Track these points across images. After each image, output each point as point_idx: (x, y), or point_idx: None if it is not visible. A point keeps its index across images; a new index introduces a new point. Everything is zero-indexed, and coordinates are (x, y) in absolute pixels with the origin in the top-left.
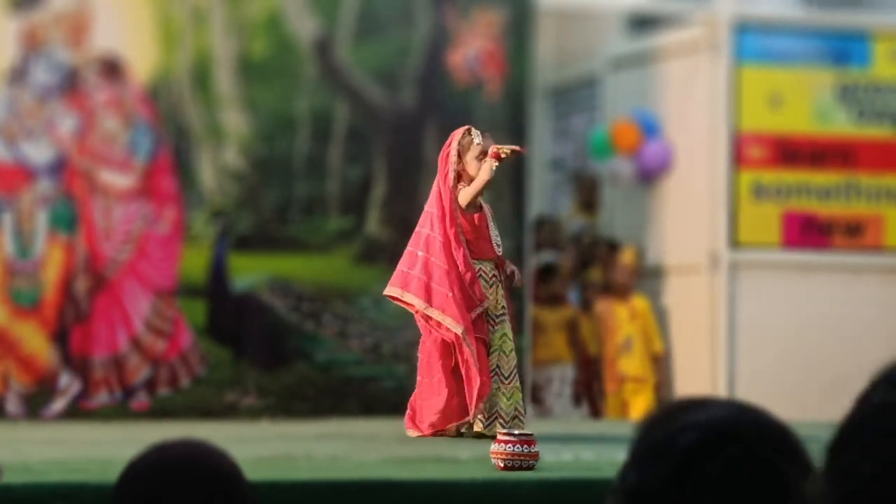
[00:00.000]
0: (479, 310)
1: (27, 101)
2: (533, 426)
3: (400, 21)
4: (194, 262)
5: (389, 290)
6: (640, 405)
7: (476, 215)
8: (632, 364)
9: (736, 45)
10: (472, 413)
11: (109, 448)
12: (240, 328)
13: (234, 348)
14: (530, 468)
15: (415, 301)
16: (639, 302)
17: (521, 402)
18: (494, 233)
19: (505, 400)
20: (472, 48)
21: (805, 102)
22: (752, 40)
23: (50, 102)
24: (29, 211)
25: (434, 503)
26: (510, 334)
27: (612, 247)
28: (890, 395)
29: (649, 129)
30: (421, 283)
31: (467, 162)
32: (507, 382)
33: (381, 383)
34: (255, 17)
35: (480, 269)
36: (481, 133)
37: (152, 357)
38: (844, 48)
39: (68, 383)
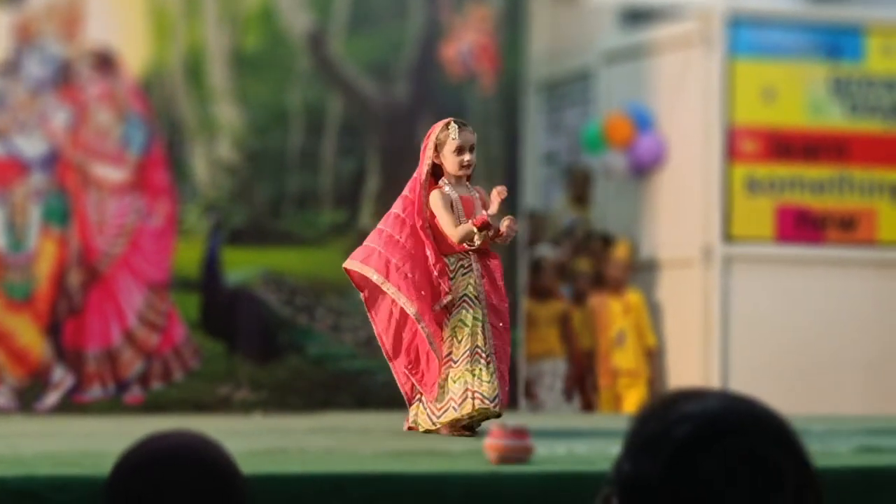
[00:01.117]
0: (443, 302)
1: (20, 95)
2: (525, 420)
3: (393, 14)
4: (188, 256)
5: (348, 264)
6: (633, 399)
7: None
8: (625, 358)
9: (729, 39)
10: (424, 394)
11: (103, 441)
12: (233, 322)
13: (227, 342)
14: (524, 462)
15: (372, 274)
16: (632, 296)
17: (475, 381)
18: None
19: (451, 383)
20: (466, 42)
21: (798, 96)
22: (745, 34)
23: (43, 96)
24: (22, 204)
25: (427, 496)
26: (468, 318)
27: (607, 241)
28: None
29: (642, 122)
30: (381, 258)
31: (444, 156)
32: (455, 366)
33: (375, 377)
34: (248, 10)
35: (445, 262)
36: (462, 126)
37: (146, 351)
38: (837, 42)
39: (61, 377)
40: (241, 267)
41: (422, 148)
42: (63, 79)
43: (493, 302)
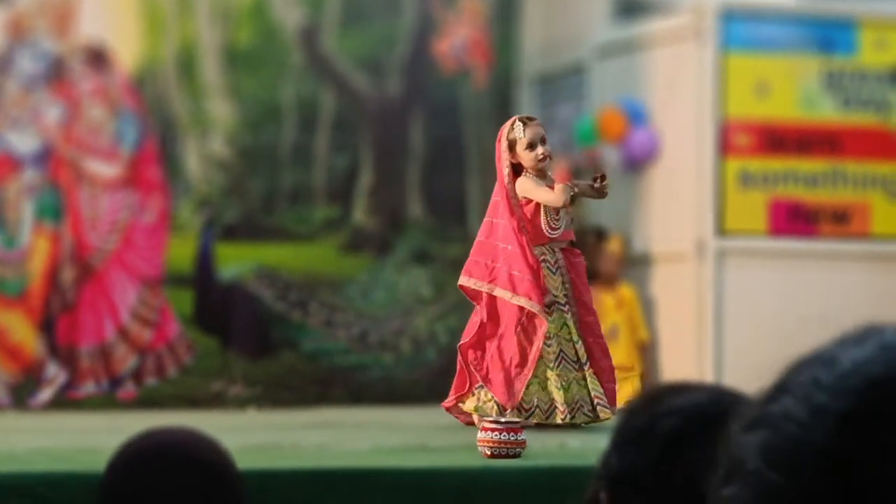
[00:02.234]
0: (546, 299)
1: (12, 91)
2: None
3: (386, 9)
4: (181, 252)
5: (461, 280)
6: (626, 393)
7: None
8: (618, 352)
9: (722, 33)
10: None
11: (96, 438)
12: (226, 317)
13: (220, 338)
14: (517, 456)
15: (478, 285)
16: (625, 290)
17: (593, 390)
18: (549, 217)
19: (577, 387)
20: (459, 36)
21: (791, 90)
22: (738, 28)
23: (35, 92)
24: (15, 200)
25: (421, 491)
26: (571, 323)
27: (600, 235)
28: (829, 349)
29: (636, 116)
30: (484, 268)
31: (519, 155)
32: (578, 370)
33: (368, 372)
34: (240, 5)
35: (543, 255)
36: (527, 122)
37: (139, 346)
38: (830, 36)
39: (55, 373)
40: (235, 262)
41: (496, 154)
42: (56, 75)
43: (584, 299)
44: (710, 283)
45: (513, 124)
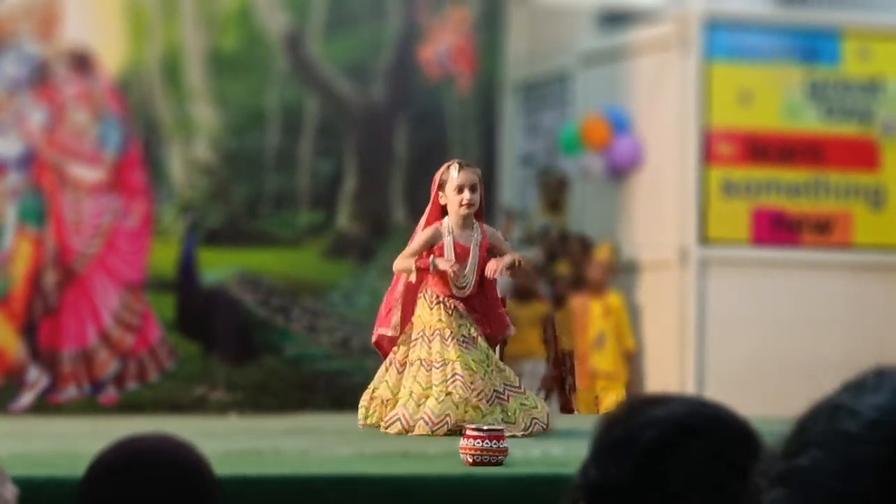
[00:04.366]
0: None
1: None
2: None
3: (371, 16)
4: (164, 256)
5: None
6: (610, 401)
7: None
8: (604, 360)
9: (706, 42)
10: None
11: (77, 442)
12: (209, 322)
13: (203, 342)
14: (499, 463)
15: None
16: (613, 298)
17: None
18: (463, 272)
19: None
20: (443, 43)
21: (775, 99)
22: (722, 37)
23: (19, 95)
24: None
25: (403, 498)
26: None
27: (585, 243)
28: (845, 398)
29: (620, 125)
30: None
31: (447, 196)
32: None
33: (351, 378)
34: (225, 10)
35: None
36: (464, 166)
37: (121, 351)
38: (814, 46)
39: (37, 377)
40: (218, 267)
41: (431, 190)
42: (39, 78)
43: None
44: (692, 290)
45: (449, 166)
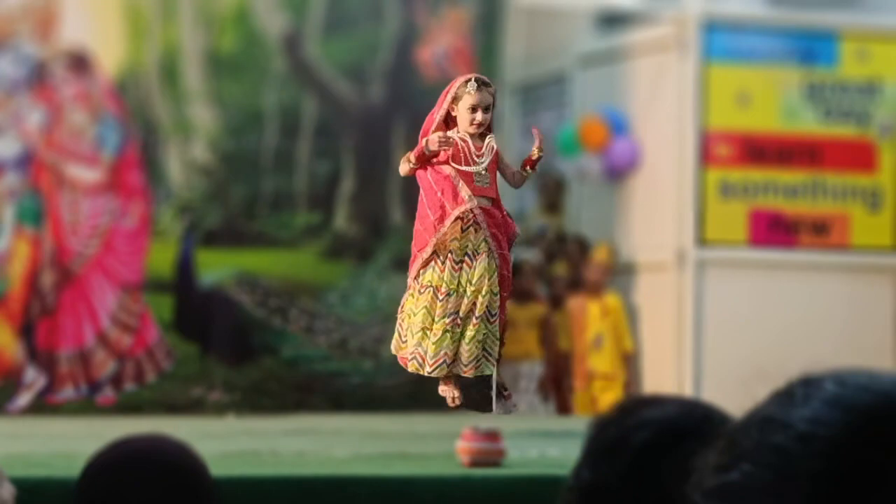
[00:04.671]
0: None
1: None
2: (498, 422)
3: (369, 17)
4: (161, 257)
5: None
6: (608, 403)
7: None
8: (602, 361)
9: (704, 44)
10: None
11: (74, 443)
12: (206, 323)
13: (200, 343)
14: (496, 464)
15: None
16: (611, 299)
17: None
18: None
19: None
20: (441, 44)
21: (772, 101)
22: (720, 39)
23: (17, 96)
24: None
25: (400, 499)
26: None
27: (583, 245)
28: (774, 410)
29: (617, 126)
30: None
31: (458, 110)
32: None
33: (348, 379)
34: (223, 11)
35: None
36: (482, 85)
37: (118, 352)
38: (812, 47)
39: (34, 378)
40: (215, 268)
41: (440, 98)
42: (37, 79)
43: (504, 252)
44: (690, 292)
45: (467, 81)
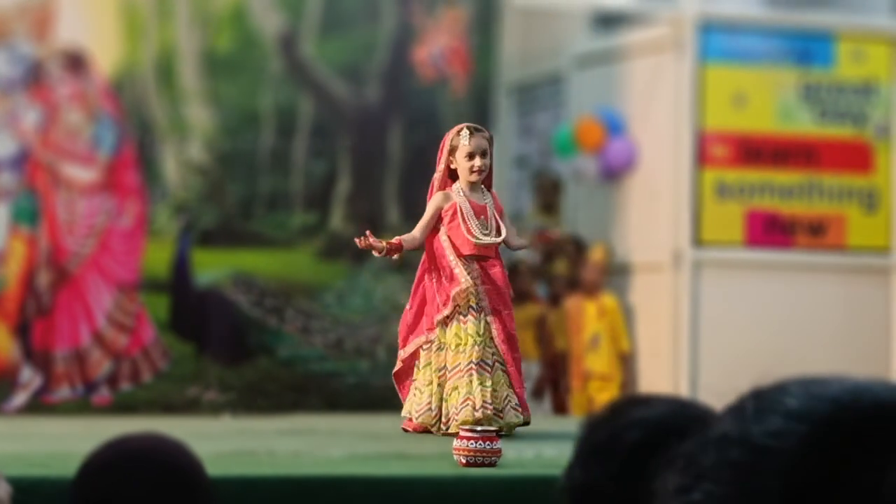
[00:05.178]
0: (445, 312)
1: None
2: (495, 422)
3: (365, 17)
4: (157, 257)
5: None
6: (604, 403)
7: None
8: (598, 361)
9: (700, 45)
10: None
11: (70, 443)
12: (202, 323)
13: (196, 343)
14: (492, 464)
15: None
16: (608, 300)
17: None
18: (477, 223)
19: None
20: (438, 45)
21: (769, 102)
22: (716, 39)
23: (13, 95)
24: None
25: (396, 499)
26: (463, 331)
27: (579, 245)
28: (730, 427)
29: (614, 127)
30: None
31: (457, 161)
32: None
33: (344, 379)
34: (219, 11)
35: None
36: (475, 131)
37: (114, 352)
38: (808, 48)
39: (30, 377)
40: (211, 268)
41: (438, 154)
42: (33, 78)
43: (499, 310)
44: (686, 293)
45: (459, 131)
